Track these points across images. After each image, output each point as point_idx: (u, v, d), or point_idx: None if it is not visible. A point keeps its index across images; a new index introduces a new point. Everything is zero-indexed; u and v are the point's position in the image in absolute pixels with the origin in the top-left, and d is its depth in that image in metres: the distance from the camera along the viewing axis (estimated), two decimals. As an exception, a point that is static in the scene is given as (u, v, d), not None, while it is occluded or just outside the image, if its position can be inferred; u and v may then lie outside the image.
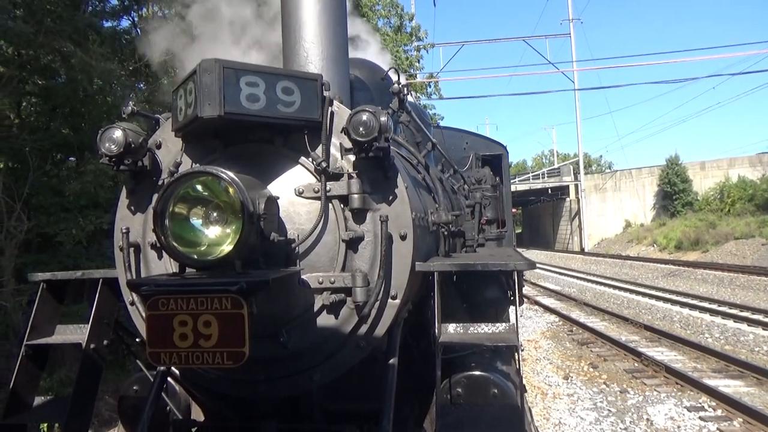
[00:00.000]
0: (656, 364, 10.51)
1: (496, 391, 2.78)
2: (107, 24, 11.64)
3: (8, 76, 9.17)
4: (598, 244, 46.20)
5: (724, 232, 32.01)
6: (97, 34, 10.79)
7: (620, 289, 22.02)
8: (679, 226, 36.57)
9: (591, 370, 11.03)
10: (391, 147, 2.66)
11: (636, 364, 10.98)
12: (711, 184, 41.27)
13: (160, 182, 2.85)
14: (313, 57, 3.19)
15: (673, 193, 42.43)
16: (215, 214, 2.31)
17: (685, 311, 16.22)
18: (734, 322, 14.24)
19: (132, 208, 2.97)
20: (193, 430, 3.27)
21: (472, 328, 2.77)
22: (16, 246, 8.65)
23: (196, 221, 2.32)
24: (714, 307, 16.10)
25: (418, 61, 29.70)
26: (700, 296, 18.38)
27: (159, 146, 2.95)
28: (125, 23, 12.60)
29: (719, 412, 8.17)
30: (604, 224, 46.87)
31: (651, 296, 19.35)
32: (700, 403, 8.60)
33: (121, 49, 11.68)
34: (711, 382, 9.24)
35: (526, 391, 3.57)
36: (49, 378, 7.92)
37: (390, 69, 3.94)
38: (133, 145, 2.69)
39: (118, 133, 2.66)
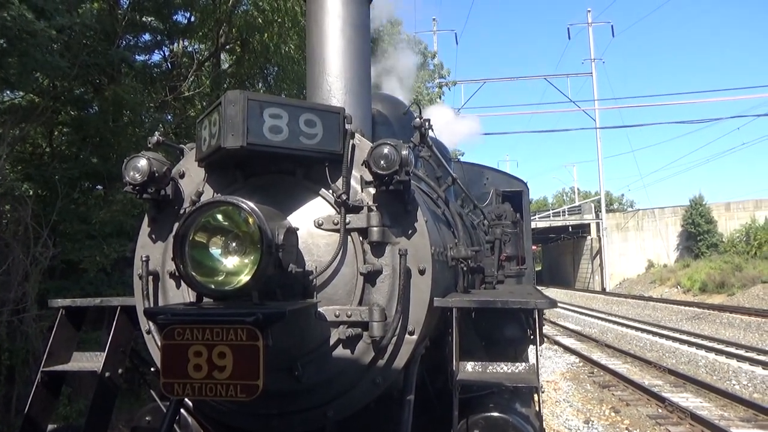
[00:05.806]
0: (681, 410, 10.13)
1: (515, 434, 2.69)
2: (140, 58, 12.02)
3: (42, 106, 9.45)
4: (620, 284, 45.27)
5: (751, 276, 31.13)
6: (130, 67, 11.12)
7: (643, 331, 21.41)
8: (704, 267, 35.68)
9: (613, 414, 10.66)
10: (412, 181, 2.66)
11: (660, 410, 10.60)
12: (736, 226, 40.42)
13: (181, 211, 2.88)
14: (336, 91, 3.24)
15: (697, 234, 41.62)
16: (234, 244, 2.32)
17: (711, 356, 15.69)
18: (763, 368, 13.70)
19: (153, 236, 2.99)
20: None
21: (491, 367, 2.70)
22: (41, 272, 8.75)
23: (215, 250, 2.33)
24: (741, 352, 15.56)
25: (440, 98, 30.10)
26: (726, 341, 17.77)
27: (182, 175, 2.99)
28: (156, 57, 13.01)
29: (749, 464, 7.82)
30: (626, 264, 45.98)
31: (675, 339, 18.77)
32: (729, 454, 8.24)
33: (152, 82, 12.01)
34: (739, 432, 8.88)
35: (546, 435, 3.45)
36: (69, 406, 7.90)
37: (412, 104, 3.97)
38: (156, 174, 2.73)
39: (142, 162, 2.70)
